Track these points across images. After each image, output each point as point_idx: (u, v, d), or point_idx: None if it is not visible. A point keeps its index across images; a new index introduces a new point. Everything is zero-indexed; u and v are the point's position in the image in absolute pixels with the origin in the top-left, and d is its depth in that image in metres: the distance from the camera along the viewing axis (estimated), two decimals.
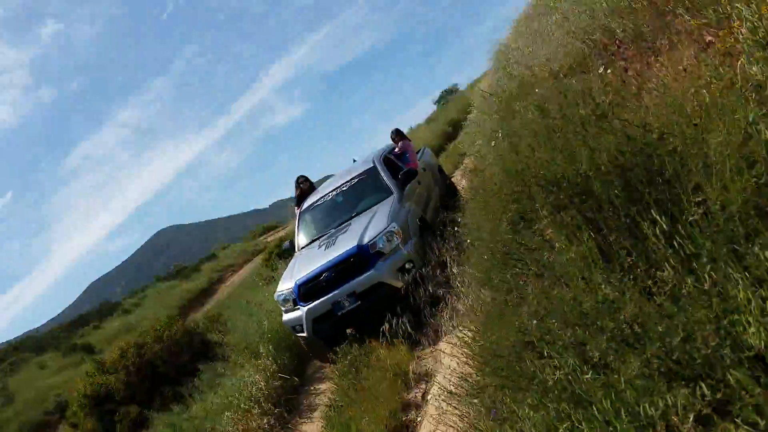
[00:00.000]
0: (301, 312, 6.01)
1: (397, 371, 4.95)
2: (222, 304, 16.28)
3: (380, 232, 5.85)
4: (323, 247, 6.36)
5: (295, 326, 6.20)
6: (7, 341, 29.89)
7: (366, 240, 5.88)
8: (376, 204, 6.66)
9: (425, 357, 5.13)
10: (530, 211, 3.15)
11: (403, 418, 4.43)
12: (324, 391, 6.19)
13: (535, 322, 2.45)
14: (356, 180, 7.33)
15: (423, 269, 5.26)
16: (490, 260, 3.52)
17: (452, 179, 9.92)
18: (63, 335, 25.64)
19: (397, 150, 8.16)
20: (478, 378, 3.12)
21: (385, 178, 6.97)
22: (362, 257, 5.81)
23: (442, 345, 4.74)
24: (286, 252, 8.09)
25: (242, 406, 6.19)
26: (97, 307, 29.45)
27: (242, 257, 24.54)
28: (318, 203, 7.61)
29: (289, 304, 6.22)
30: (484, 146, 6.49)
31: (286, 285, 6.32)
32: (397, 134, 8.43)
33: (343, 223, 6.80)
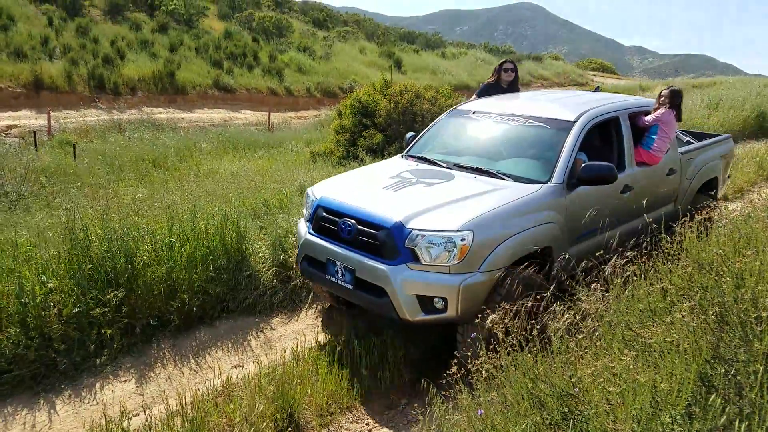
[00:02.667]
0: (302, 233, 4.42)
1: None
2: None
3: (439, 230, 3.64)
4: (394, 185, 4.29)
5: (297, 236, 4.66)
6: None
7: (412, 225, 3.71)
8: (513, 181, 4.23)
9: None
10: None
11: None
12: None
13: None
14: (531, 124, 4.68)
15: (460, 324, 3.58)
16: None
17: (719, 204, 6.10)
18: None
19: (648, 118, 5.17)
20: None
21: (564, 155, 4.29)
22: (390, 240, 3.72)
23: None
24: (405, 142, 5.51)
25: None
26: None
27: None
28: (480, 116, 5.09)
29: (306, 211, 4.54)
30: None
31: (319, 189, 4.53)
32: (671, 97, 5.23)
33: (459, 167, 4.57)
